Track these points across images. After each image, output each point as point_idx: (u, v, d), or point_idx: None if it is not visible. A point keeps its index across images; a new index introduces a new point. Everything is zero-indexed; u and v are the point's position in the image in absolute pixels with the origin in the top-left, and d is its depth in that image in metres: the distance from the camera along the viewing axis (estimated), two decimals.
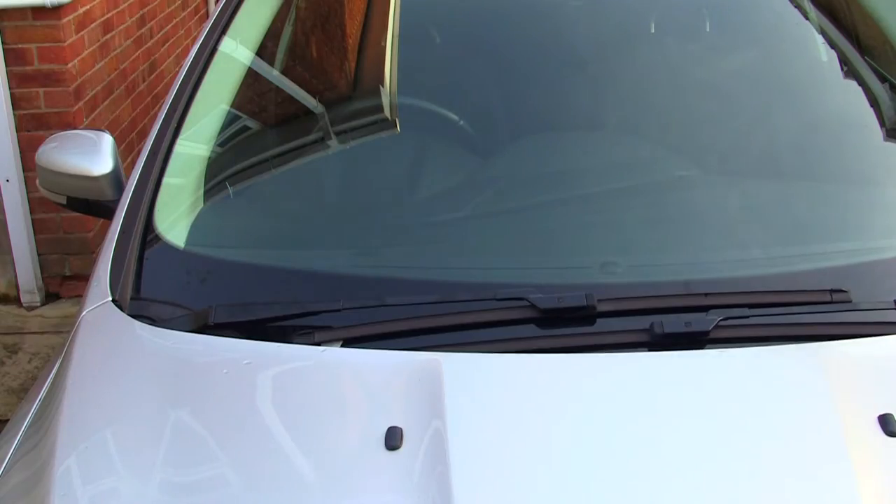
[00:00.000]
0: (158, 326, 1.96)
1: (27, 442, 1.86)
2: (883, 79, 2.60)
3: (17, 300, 4.82)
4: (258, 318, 1.92)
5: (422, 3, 2.95)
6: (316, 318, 1.91)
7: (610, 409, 1.72)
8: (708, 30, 2.79)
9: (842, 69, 2.71)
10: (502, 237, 2.15)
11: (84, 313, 2.06)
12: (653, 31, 2.77)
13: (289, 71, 2.79)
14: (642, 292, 1.96)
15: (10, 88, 4.54)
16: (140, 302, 2.04)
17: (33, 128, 4.64)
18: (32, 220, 4.73)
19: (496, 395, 1.75)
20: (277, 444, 1.73)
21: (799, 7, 2.84)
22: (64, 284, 4.88)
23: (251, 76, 2.70)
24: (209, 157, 2.43)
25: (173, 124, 2.41)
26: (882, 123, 2.48)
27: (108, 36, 5.17)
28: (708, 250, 2.13)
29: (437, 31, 2.79)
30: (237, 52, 2.67)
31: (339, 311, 1.91)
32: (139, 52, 5.71)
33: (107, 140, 2.49)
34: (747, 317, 1.88)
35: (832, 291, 1.92)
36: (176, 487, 1.64)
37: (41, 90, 4.61)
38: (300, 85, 2.75)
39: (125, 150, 5.33)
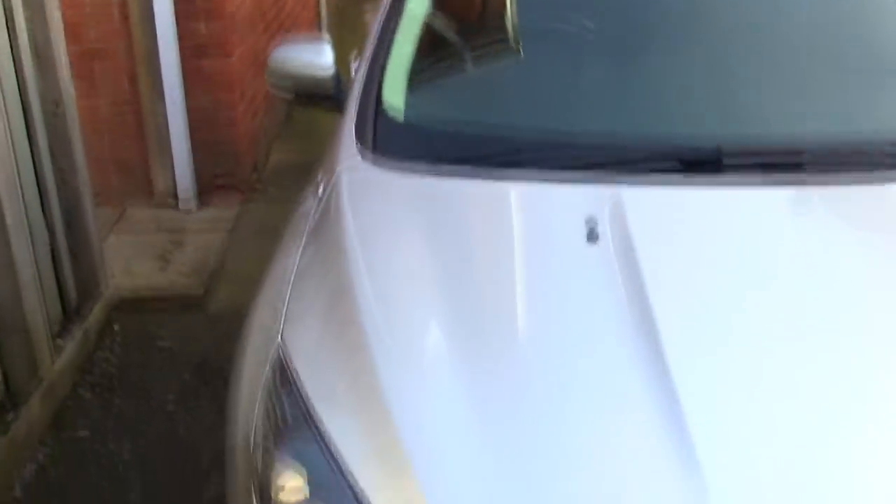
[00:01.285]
0: (401, 172, 2.72)
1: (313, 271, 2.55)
2: None
3: (175, 205, 5.62)
4: (478, 162, 2.68)
5: None
6: (521, 161, 2.67)
7: (737, 223, 2.46)
8: None
9: None
10: (655, 110, 2.87)
11: (339, 166, 2.82)
12: None
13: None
14: (757, 147, 2.68)
15: (176, 21, 5.31)
16: (380, 156, 2.79)
17: (194, 56, 5.42)
18: (191, 136, 5.52)
19: (659, 207, 2.50)
20: (508, 239, 2.50)
21: None
22: (215, 192, 5.68)
23: (436, 17, 3.44)
24: (415, 53, 3.17)
25: (387, 40, 3.13)
26: None
27: None
28: (800, 120, 2.86)
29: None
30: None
31: (537, 152, 2.68)
32: None
33: (327, 47, 3.24)
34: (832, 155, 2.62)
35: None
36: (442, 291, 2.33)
37: (203, 24, 5.39)
38: (471, 13, 3.53)
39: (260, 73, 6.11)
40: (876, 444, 1.92)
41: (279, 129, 6.77)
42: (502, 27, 3.36)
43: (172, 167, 5.57)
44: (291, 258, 2.61)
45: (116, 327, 4.57)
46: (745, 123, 2.83)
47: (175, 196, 5.62)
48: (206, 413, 3.93)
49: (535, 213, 2.60)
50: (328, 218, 2.67)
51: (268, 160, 6.31)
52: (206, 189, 5.67)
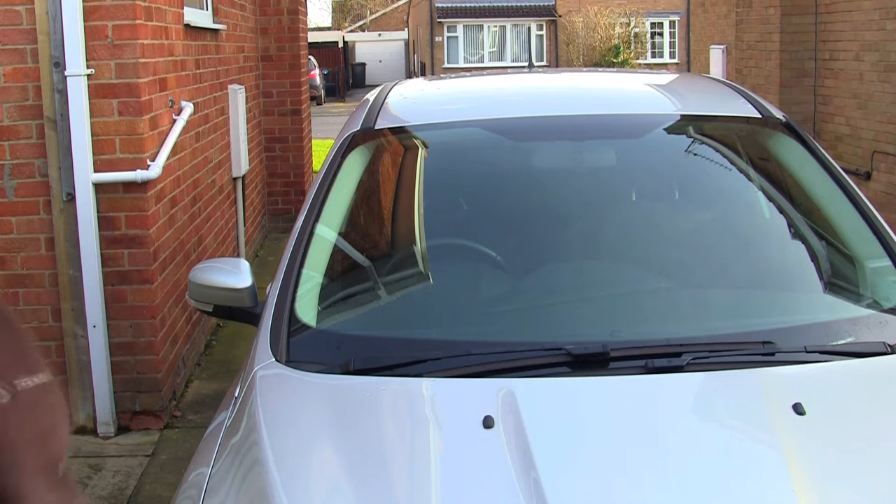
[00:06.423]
0: (313, 372, 2.86)
1: (226, 468, 2.64)
2: (801, 219, 3.69)
3: (94, 431, 5.61)
4: (383, 365, 2.82)
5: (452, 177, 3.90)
6: (423, 365, 2.82)
7: (618, 405, 2.67)
8: (676, 196, 3.79)
9: (772, 215, 3.71)
10: (545, 316, 3.15)
11: (255, 369, 2.94)
12: (634, 197, 3.76)
13: (366, 224, 3.78)
14: (635, 345, 2.93)
15: (100, 249, 5.44)
16: (293, 361, 2.93)
17: (117, 283, 5.53)
18: (111, 362, 5.57)
19: (550, 398, 2.68)
20: (412, 431, 2.66)
21: (746, 175, 3.86)
22: (134, 419, 5.69)
23: (345, 231, 3.64)
24: (325, 271, 3.36)
25: (299, 258, 3.32)
26: (803, 245, 3.59)
27: (174, 210, 6.13)
28: (676, 323, 3.14)
29: (464, 198, 3.75)
30: (330, 223, 3.60)
31: (438, 359, 2.83)
32: (192, 226, 6.66)
33: (245, 264, 3.39)
34: (706, 358, 2.83)
35: (764, 343, 2.91)
36: (355, 465, 2.47)
37: (126, 251, 5.52)
38: (379, 235, 3.75)
39: (179, 302, 6.22)
40: None
41: (199, 358, 6.84)
42: (406, 247, 3.62)
43: (93, 397, 5.59)
44: (205, 469, 2.71)
45: None
46: (627, 326, 3.09)
47: (94, 422, 5.61)
48: None
49: (438, 404, 2.77)
50: (244, 423, 2.78)
51: (187, 389, 6.35)
52: (125, 416, 5.68)
